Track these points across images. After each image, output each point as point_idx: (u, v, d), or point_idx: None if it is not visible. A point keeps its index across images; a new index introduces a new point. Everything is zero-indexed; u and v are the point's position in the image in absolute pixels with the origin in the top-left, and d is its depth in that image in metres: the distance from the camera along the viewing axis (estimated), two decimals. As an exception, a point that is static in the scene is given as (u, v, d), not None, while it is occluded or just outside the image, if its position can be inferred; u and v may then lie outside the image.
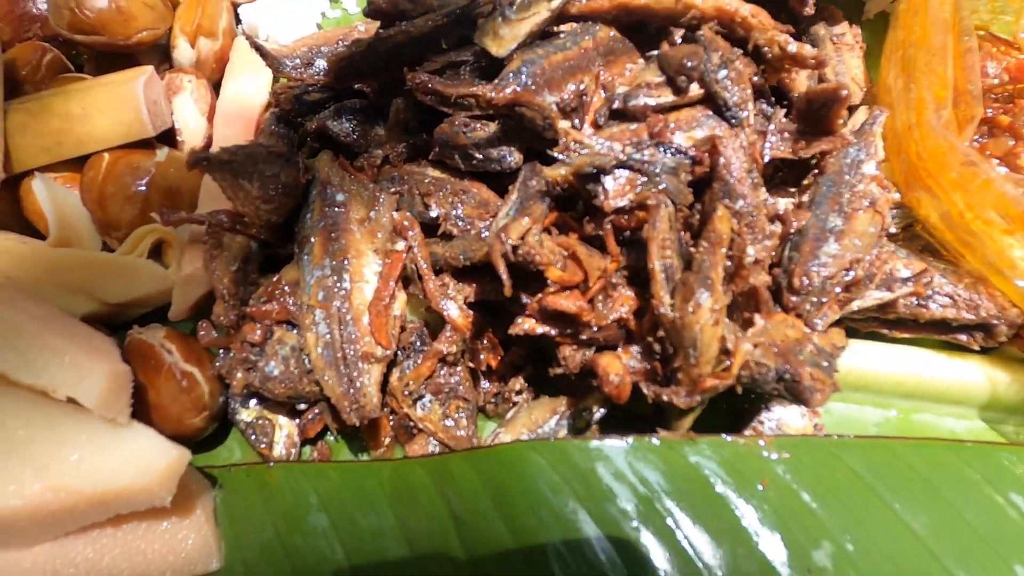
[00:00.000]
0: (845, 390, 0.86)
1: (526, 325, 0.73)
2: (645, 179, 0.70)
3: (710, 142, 0.70)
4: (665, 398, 0.68)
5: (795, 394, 0.64)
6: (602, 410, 0.81)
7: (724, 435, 0.68)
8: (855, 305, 0.77)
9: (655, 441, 0.68)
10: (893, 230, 0.85)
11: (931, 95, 0.84)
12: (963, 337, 0.81)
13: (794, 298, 0.72)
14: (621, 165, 0.69)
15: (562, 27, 0.86)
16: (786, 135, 0.81)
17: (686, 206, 0.72)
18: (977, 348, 0.81)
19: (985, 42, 1.05)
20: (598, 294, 0.72)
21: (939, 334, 0.82)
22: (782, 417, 0.82)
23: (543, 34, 0.85)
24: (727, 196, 0.69)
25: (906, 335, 0.83)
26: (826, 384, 0.63)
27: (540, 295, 0.72)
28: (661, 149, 0.70)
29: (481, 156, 0.83)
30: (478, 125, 0.84)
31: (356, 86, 1.03)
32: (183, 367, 0.81)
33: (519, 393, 0.86)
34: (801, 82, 0.99)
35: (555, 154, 0.72)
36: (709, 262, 0.67)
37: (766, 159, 0.80)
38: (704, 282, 0.65)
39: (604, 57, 0.83)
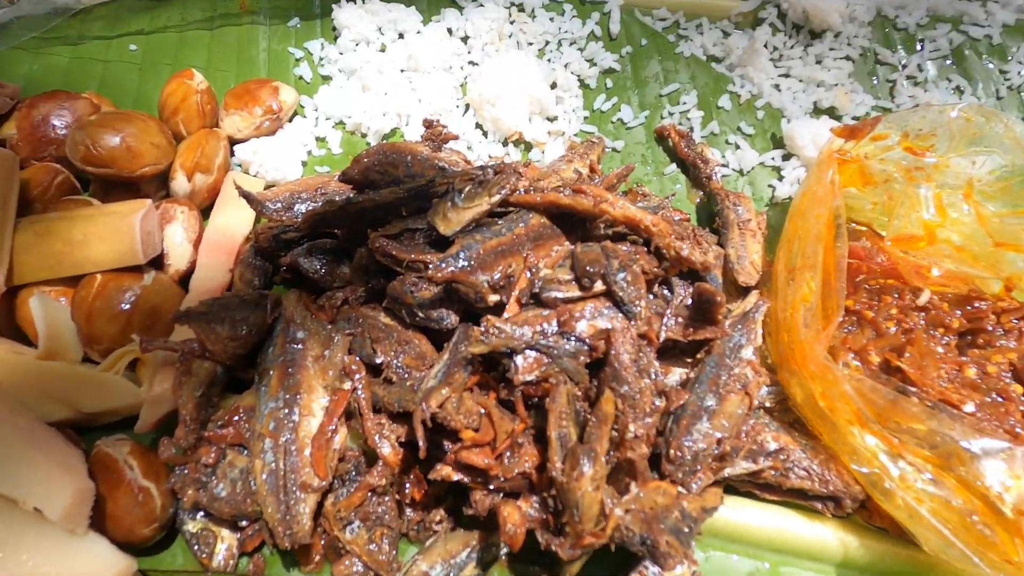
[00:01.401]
0: (723, 541, 1.00)
1: (443, 472, 0.86)
2: (550, 360, 0.84)
3: (605, 334, 0.86)
4: (553, 548, 0.81)
5: (653, 557, 0.76)
6: (506, 548, 0.93)
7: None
8: (726, 472, 0.91)
9: (541, 587, 0.79)
10: (768, 404, 1.01)
11: (801, 295, 1.01)
12: (818, 505, 0.94)
13: (670, 466, 0.86)
14: (530, 347, 0.84)
15: (507, 211, 1.03)
16: (679, 320, 0.97)
17: (587, 381, 0.86)
18: (829, 515, 0.94)
19: (866, 236, 1.25)
20: (506, 451, 0.85)
21: (799, 500, 0.95)
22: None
23: (492, 214, 1.02)
24: (615, 380, 0.84)
25: (774, 498, 0.97)
26: (678, 552, 0.76)
27: (456, 447, 0.85)
28: (564, 336, 0.86)
29: (423, 315, 0.98)
30: (424, 286, 1.00)
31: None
32: (141, 482, 0.91)
33: (439, 523, 0.98)
34: (710, 263, 1.17)
35: (478, 335, 0.86)
36: (596, 436, 0.81)
37: (661, 339, 0.96)
38: (589, 454, 0.78)
39: (534, 241, 0.99)
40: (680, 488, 0.88)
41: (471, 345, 0.85)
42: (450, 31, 1.61)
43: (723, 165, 1.43)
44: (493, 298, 0.94)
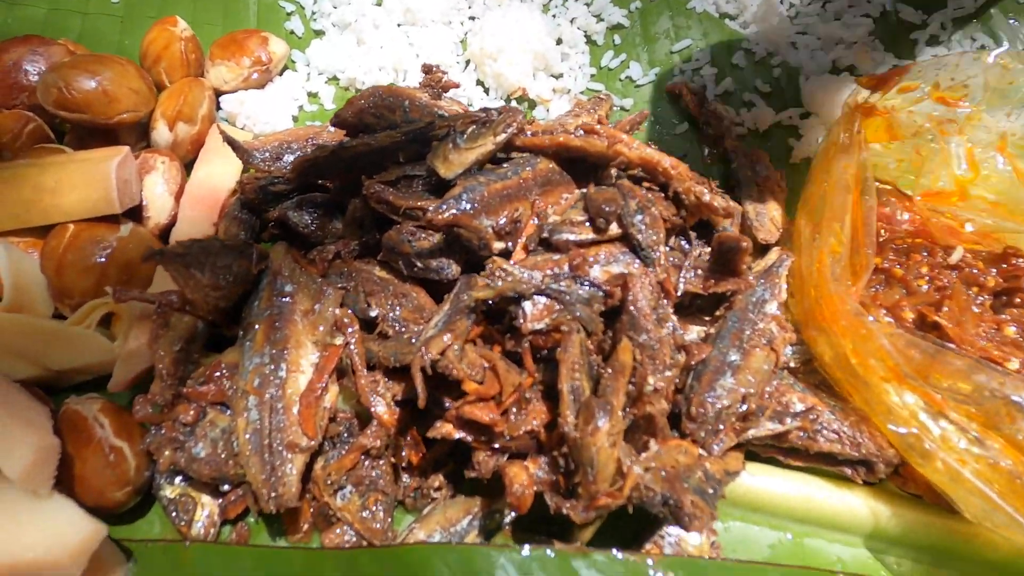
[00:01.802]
0: (743, 511, 0.93)
1: (444, 430, 0.79)
2: (561, 307, 0.77)
3: (622, 278, 0.78)
4: (564, 511, 0.73)
5: (677, 519, 0.69)
6: (513, 513, 0.86)
7: (615, 551, 0.73)
8: (750, 433, 0.84)
9: (550, 552, 0.72)
10: (793, 364, 0.93)
11: (829, 248, 0.94)
12: (848, 471, 0.87)
13: (691, 425, 0.79)
14: (540, 292, 0.77)
15: (511, 156, 0.96)
16: (699, 272, 0.90)
17: (600, 332, 0.79)
18: (860, 482, 0.88)
19: (892, 196, 1.18)
20: (512, 406, 0.78)
21: (827, 465, 0.88)
22: (682, 534, 0.86)
23: (492, 160, 0.95)
24: (632, 329, 0.76)
25: (799, 464, 0.90)
26: (705, 512, 0.69)
27: (459, 403, 0.77)
28: (577, 281, 0.78)
29: (422, 265, 0.90)
30: (423, 235, 0.92)
31: (319, 182, 1.11)
32: (113, 442, 0.83)
33: (438, 490, 0.90)
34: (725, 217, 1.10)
35: (482, 277, 0.79)
36: (612, 388, 0.73)
37: (679, 292, 0.89)
38: (604, 407, 0.71)
39: (542, 187, 0.92)
40: (701, 450, 0.81)
41: (475, 290, 0.78)
42: (451, -16, 1.52)
43: (738, 124, 1.36)
44: (498, 245, 0.87)
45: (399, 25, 1.47)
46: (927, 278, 1.00)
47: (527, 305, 0.77)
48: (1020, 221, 1.02)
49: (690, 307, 0.96)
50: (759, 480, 0.90)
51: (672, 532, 0.86)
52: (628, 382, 0.75)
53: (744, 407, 0.80)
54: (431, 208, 0.84)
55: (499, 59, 1.38)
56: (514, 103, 1.39)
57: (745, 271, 0.87)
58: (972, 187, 1.08)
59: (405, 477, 0.92)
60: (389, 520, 0.88)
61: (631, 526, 0.87)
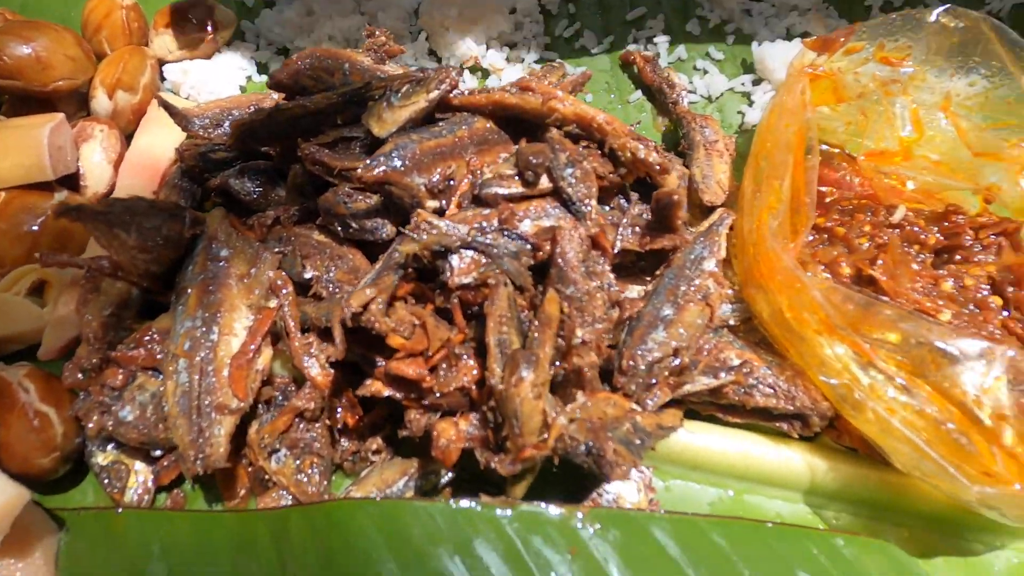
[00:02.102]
0: (684, 469, 0.93)
1: (373, 388, 0.78)
2: (489, 260, 0.76)
3: (551, 232, 0.77)
4: (493, 465, 0.73)
5: (599, 467, 0.69)
6: (450, 473, 0.85)
7: (543, 504, 0.72)
8: (686, 388, 0.84)
9: (476, 505, 0.72)
10: (732, 322, 0.93)
11: (768, 206, 0.94)
12: (784, 426, 0.87)
13: (622, 378, 0.78)
14: (466, 246, 0.76)
15: (448, 115, 0.95)
16: (637, 229, 0.90)
17: (531, 287, 0.78)
18: (796, 436, 0.88)
19: (841, 159, 1.18)
20: (441, 363, 0.77)
21: (764, 421, 0.88)
22: (620, 491, 0.86)
23: (428, 119, 0.94)
24: (560, 281, 0.75)
25: (738, 420, 0.90)
26: (627, 460, 0.68)
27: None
28: (505, 234, 0.77)
29: (357, 226, 0.89)
30: (360, 197, 0.91)
31: (263, 149, 1.09)
32: (38, 407, 0.82)
33: (376, 453, 0.89)
34: (672, 180, 1.10)
35: (407, 231, 0.78)
36: (538, 341, 0.73)
37: (616, 249, 0.88)
38: (529, 359, 0.70)
39: (478, 146, 0.91)
40: (635, 405, 0.81)
41: (403, 244, 0.77)
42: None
43: (691, 91, 1.35)
44: (431, 203, 0.86)
45: (353, -5, 1.45)
46: (868, 236, 1.00)
47: (454, 259, 0.76)
48: (961, 179, 1.03)
49: (633, 268, 0.96)
50: (698, 438, 0.90)
51: (611, 490, 0.86)
52: (556, 335, 0.74)
53: (677, 361, 0.80)
54: (361, 167, 0.82)
55: (451, 29, 1.37)
56: (467, 73, 1.38)
57: (681, 227, 0.87)
58: (916, 147, 1.09)
59: (344, 441, 0.91)
60: (325, 483, 0.87)
61: (574, 483, 0.87)
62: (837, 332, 0.79)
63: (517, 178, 0.82)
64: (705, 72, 1.37)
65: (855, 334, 0.79)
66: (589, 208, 0.81)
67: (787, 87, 1.07)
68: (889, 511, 0.89)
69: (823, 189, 1.10)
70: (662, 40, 1.40)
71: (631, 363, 0.78)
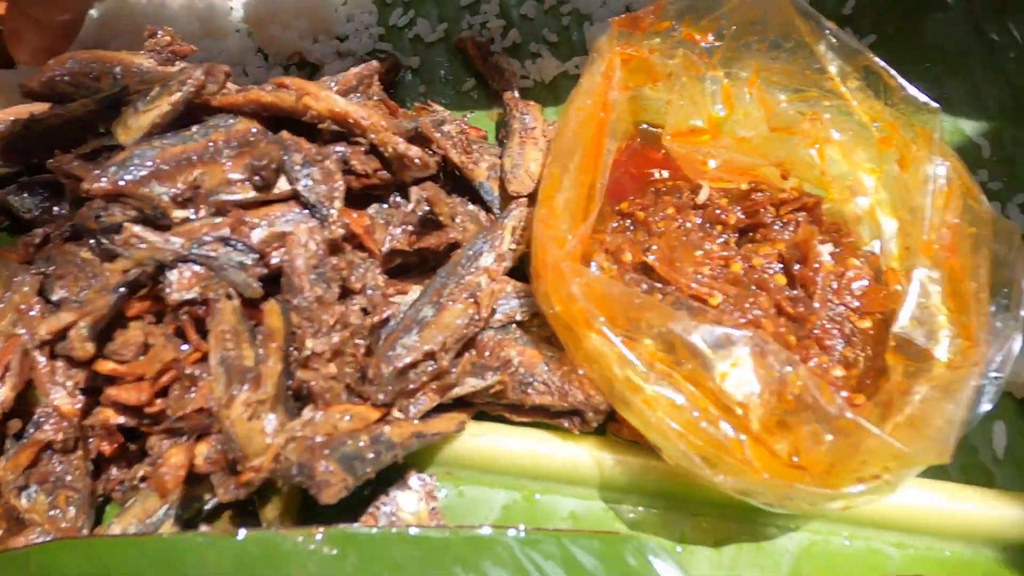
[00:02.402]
0: (475, 472, 0.89)
1: (101, 416, 0.73)
2: (212, 273, 0.71)
3: (283, 238, 0.73)
4: (221, 491, 0.68)
5: (310, 488, 0.65)
6: (215, 499, 0.81)
7: (277, 529, 0.68)
8: (455, 392, 0.80)
9: (199, 537, 0.67)
10: (519, 317, 0.90)
11: (547, 192, 0.90)
12: (565, 423, 0.85)
13: (369, 387, 0.74)
14: (184, 259, 0.71)
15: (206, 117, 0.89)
16: (409, 228, 0.86)
17: (259, 295, 0.73)
18: (577, 432, 0.85)
19: (656, 140, 1.15)
20: (171, 383, 0.73)
21: (546, 419, 0.86)
22: (399, 503, 0.83)
23: (182, 123, 0.88)
24: (288, 290, 0.71)
25: (524, 419, 0.87)
26: (338, 480, 0.65)
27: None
28: (229, 244, 0.73)
29: (107, 242, 0.84)
30: (117, 210, 0.85)
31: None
32: None
33: (144, 480, 0.85)
34: (480, 172, 1.06)
35: (116, 247, 0.73)
36: (262, 355, 0.68)
37: (386, 250, 0.84)
38: (244, 376, 0.66)
39: (237, 149, 0.86)
40: (398, 413, 0.77)
41: (114, 262, 0.72)
42: (229, -54, 1.43)
43: (524, 76, 1.31)
44: (179, 213, 0.80)
45: (175, -7, 1.38)
46: (671, 219, 0.98)
47: (172, 274, 0.71)
48: (758, 155, 1.00)
49: (423, 267, 0.92)
50: (484, 440, 0.87)
51: (389, 502, 0.83)
52: (283, 348, 0.70)
53: (434, 365, 0.76)
54: (86, 178, 0.77)
55: (273, 23, 1.31)
56: (293, 69, 1.32)
57: (448, 224, 0.83)
58: (726, 125, 1.06)
59: (114, 469, 0.86)
60: (84, 517, 0.82)
61: (359, 498, 0.83)
62: (592, 325, 0.76)
63: (247, 183, 0.77)
64: (538, 56, 1.33)
65: (612, 327, 0.76)
66: (332, 211, 0.77)
67: (588, 69, 1.03)
68: (683, 501, 0.87)
69: (633, 170, 1.08)
70: (496, 24, 1.36)
71: (377, 371, 0.74)
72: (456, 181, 1.04)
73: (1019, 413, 0.98)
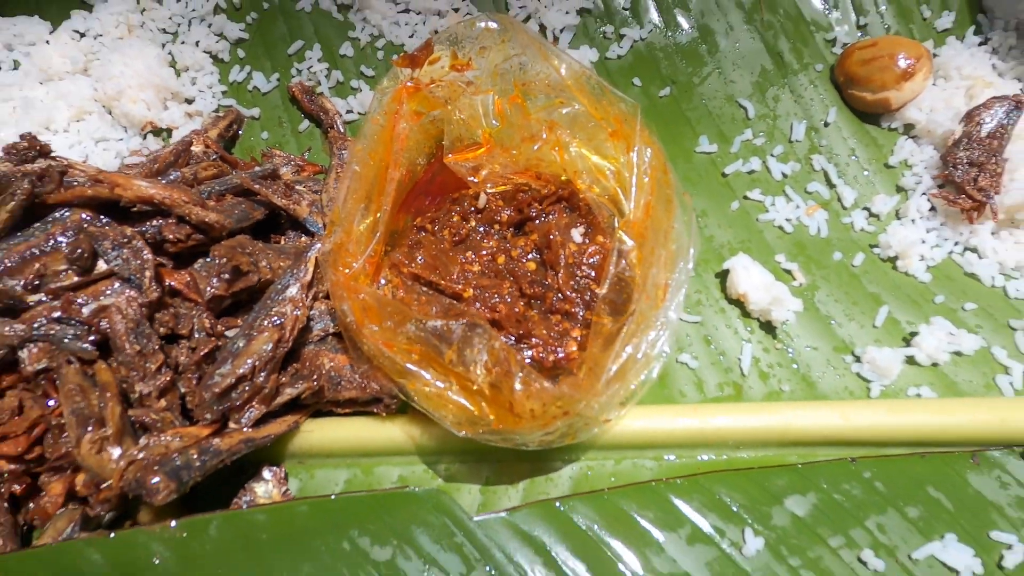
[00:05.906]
0: (321, 459, 1.12)
1: (-4, 467, 0.94)
2: (55, 347, 0.92)
3: (106, 310, 0.94)
4: (90, 509, 0.91)
5: (144, 496, 0.87)
6: (112, 512, 1.03)
7: (110, 533, 0.90)
8: (279, 400, 1.02)
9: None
10: (333, 330, 1.11)
11: (346, 224, 1.10)
12: (374, 409, 1.07)
13: (197, 410, 0.96)
14: (29, 340, 0.92)
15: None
16: (224, 276, 1.06)
17: (94, 356, 0.95)
18: (384, 415, 1.07)
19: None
20: (45, 434, 0.94)
21: (361, 407, 1.08)
22: (256, 490, 1.05)
23: (27, 222, 1.07)
24: (115, 349, 0.92)
25: (345, 411, 1.09)
26: (167, 487, 0.86)
27: (-1, 443, 0.93)
28: (61, 322, 0.94)
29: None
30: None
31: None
32: None
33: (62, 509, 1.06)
34: (303, 210, 1.26)
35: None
36: (102, 404, 0.90)
37: (208, 298, 1.05)
38: (87, 420, 0.88)
39: (73, 238, 1.05)
40: (232, 424, 0.99)
41: (-28, 351, 0.93)
42: (79, 32, 1.60)
43: (349, 111, 1.50)
44: (34, 298, 1.01)
45: (40, 83, 1.56)
46: (456, 227, 1.18)
47: (23, 352, 0.92)
48: (520, 162, 1.20)
49: (254, 300, 1.13)
50: (316, 433, 1.09)
51: (247, 492, 1.05)
52: (118, 395, 0.91)
53: (249, 385, 0.98)
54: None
55: (122, 98, 1.49)
56: (150, 137, 1.51)
57: (251, 269, 1.03)
58: (499, 135, 1.26)
59: (31, 504, 1.08)
60: (11, 544, 1.04)
61: (229, 493, 1.05)
62: (363, 331, 0.97)
63: (70, 271, 0.97)
64: (359, 91, 1.52)
65: (380, 329, 0.97)
66: (145, 280, 0.97)
67: (370, 108, 1.22)
68: (485, 452, 1.09)
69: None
70: (320, 68, 1.54)
71: (200, 397, 0.95)
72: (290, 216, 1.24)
73: (765, 335, 1.21)
